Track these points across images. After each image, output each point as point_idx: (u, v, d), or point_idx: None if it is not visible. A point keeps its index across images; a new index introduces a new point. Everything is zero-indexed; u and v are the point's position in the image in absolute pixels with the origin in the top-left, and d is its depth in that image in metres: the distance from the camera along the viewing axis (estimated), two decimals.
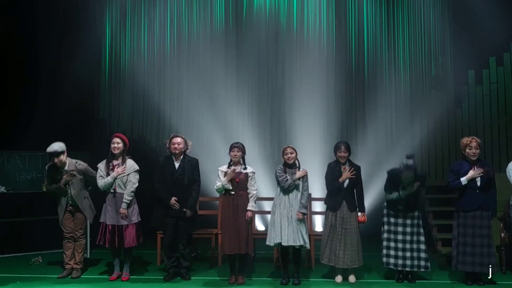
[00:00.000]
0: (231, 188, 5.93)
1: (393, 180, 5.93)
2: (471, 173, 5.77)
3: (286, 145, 6.17)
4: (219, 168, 6.03)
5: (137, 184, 6.11)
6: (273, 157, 9.68)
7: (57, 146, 6.15)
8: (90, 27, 9.80)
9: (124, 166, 6.08)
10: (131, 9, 9.96)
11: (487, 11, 9.10)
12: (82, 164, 6.34)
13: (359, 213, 5.99)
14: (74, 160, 6.33)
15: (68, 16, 9.48)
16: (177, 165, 6.08)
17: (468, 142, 5.82)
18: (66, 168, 6.22)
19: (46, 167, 6.29)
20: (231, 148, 6.00)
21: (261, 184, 9.37)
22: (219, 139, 9.81)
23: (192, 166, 6.12)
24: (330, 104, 9.63)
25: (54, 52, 9.35)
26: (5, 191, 7.73)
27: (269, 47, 9.78)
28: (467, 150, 5.82)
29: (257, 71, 9.78)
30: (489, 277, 5.96)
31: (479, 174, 5.75)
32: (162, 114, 9.83)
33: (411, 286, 5.87)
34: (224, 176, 5.93)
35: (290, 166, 5.99)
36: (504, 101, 8.63)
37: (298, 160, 6.05)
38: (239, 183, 5.93)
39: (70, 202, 6.24)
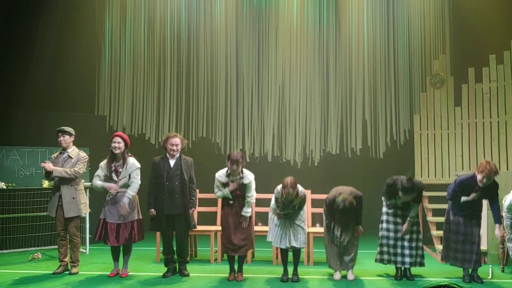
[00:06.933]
0: (230, 197, 5.91)
1: (391, 192, 5.95)
2: (471, 197, 5.81)
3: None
4: (217, 176, 5.92)
5: (140, 182, 6.05)
6: (272, 152, 9.68)
7: (66, 127, 6.24)
8: (90, 23, 9.78)
9: (117, 185, 5.98)
10: (131, 3, 9.94)
11: (487, 8, 9.09)
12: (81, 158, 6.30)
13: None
14: (79, 151, 6.31)
15: (68, 11, 9.45)
16: (172, 162, 6.08)
17: (482, 175, 5.64)
18: (69, 151, 6.22)
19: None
20: (231, 162, 5.76)
21: (258, 181, 9.38)
22: (218, 135, 9.80)
23: (188, 165, 6.14)
24: (330, 100, 9.64)
25: (53, 47, 9.32)
26: (4, 187, 7.72)
27: (269, 40, 9.78)
28: (478, 176, 5.69)
29: (257, 66, 9.79)
30: (489, 277, 6.01)
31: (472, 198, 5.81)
32: (162, 110, 9.83)
33: (410, 283, 5.88)
34: (223, 186, 5.86)
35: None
36: (504, 99, 8.63)
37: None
38: (239, 194, 5.89)
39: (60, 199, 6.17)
